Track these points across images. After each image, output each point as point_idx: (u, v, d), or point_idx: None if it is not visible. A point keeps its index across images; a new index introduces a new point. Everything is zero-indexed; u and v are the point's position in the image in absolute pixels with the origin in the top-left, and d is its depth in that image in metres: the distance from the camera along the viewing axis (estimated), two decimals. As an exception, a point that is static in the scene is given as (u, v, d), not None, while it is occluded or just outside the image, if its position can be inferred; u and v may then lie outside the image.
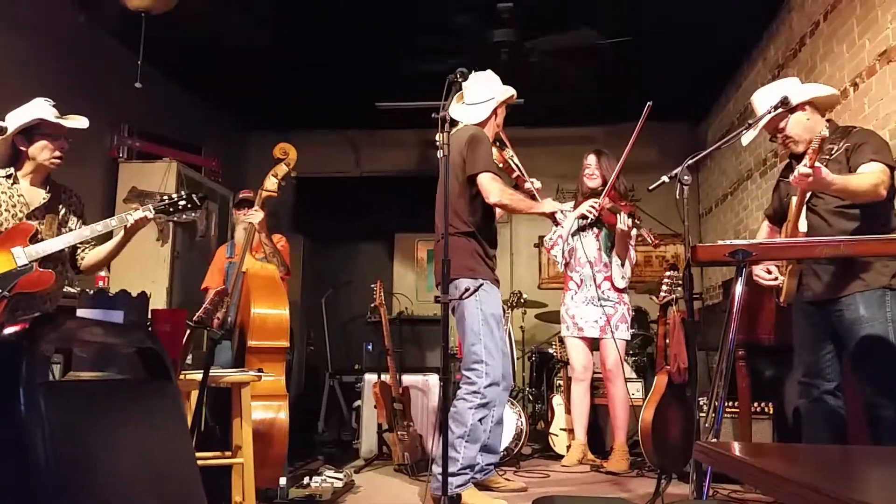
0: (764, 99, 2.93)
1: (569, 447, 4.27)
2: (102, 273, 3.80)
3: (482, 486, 3.31)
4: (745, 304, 2.71)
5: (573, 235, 4.21)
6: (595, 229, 4.23)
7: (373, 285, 4.53)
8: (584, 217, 4.09)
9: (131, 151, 5.33)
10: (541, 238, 7.11)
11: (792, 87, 2.91)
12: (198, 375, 2.67)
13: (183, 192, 2.98)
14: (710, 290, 6.60)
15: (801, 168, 2.50)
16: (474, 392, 3.05)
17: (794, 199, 2.73)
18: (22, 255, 2.68)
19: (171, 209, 2.92)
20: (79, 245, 2.95)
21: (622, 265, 4.17)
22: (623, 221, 3.95)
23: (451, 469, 2.91)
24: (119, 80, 4.94)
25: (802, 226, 2.73)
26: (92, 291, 2.06)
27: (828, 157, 2.73)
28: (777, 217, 3.07)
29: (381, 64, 5.71)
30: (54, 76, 4.54)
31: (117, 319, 1.99)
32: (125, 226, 2.88)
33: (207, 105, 6.64)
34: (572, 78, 5.89)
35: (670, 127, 6.81)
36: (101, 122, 5.19)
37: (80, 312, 2.00)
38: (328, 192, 7.44)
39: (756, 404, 3.53)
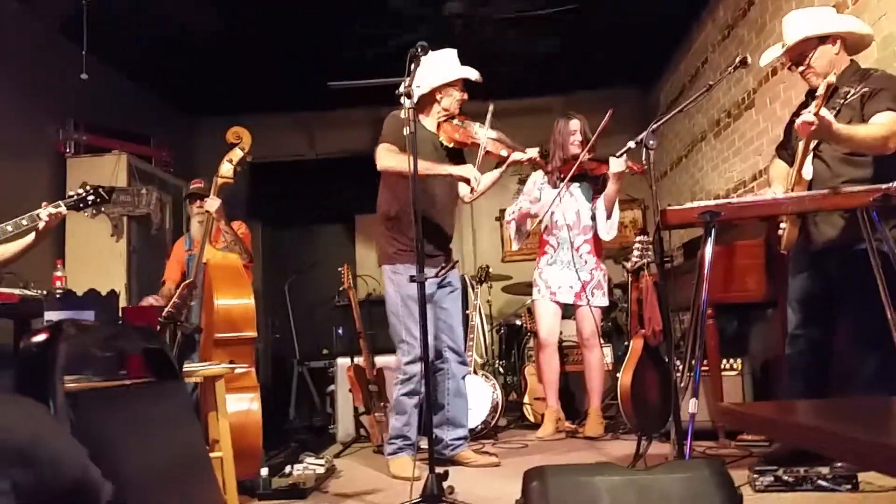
0: (795, 24, 2.77)
1: (542, 416, 4.30)
2: (59, 273, 3.68)
3: (453, 463, 3.35)
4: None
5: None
6: (572, 189, 4.13)
7: (340, 269, 4.48)
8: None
9: (78, 145, 5.14)
10: (502, 211, 7.12)
11: (829, 16, 2.79)
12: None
13: (89, 186, 3.02)
14: (672, 252, 6.70)
15: (806, 115, 2.42)
16: (396, 369, 3.36)
17: (801, 144, 2.62)
18: None
19: (80, 204, 2.99)
20: None
21: (608, 217, 4.08)
22: (616, 164, 3.80)
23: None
24: (62, 72, 4.75)
25: (807, 172, 2.61)
26: (59, 293, 1.98)
27: (842, 101, 2.60)
28: (788, 156, 2.94)
29: (331, 42, 5.60)
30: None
31: (88, 320, 1.92)
32: (37, 226, 2.87)
33: (153, 94, 6.43)
34: (526, 49, 5.87)
35: (621, 93, 6.85)
36: (45, 117, 4.99)
37: (49, 315, 1.92)
38: (283, 176, 7.31)
39: (724, 361, 3.61)
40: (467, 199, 3.59)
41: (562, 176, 4.04)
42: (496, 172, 3.45)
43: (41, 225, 2.86)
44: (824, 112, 2.39)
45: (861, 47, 2.86)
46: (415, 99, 3.31)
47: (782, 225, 2.78)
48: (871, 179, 2.59)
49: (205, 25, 5.21)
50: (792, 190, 2.67)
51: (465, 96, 3.41)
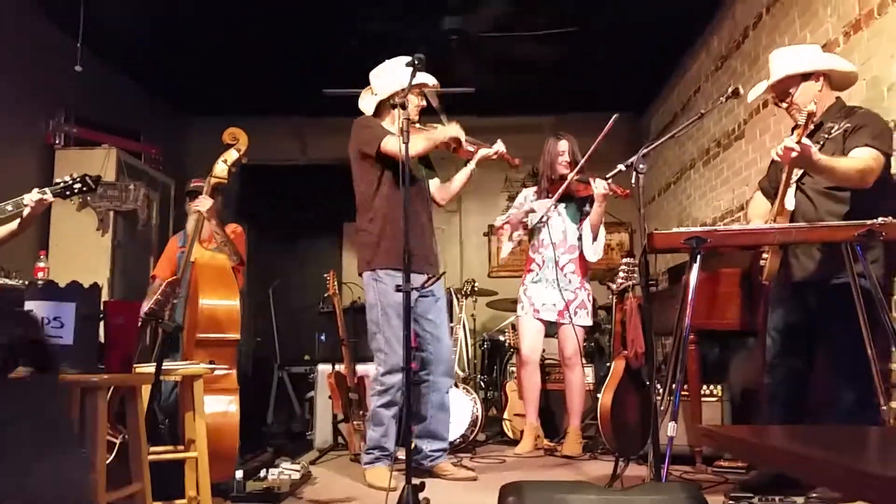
0: (781, 60, 2.86)
1: (522, 433, 4.30)
2: (41, 263, 3.64)
3: (431, 474, 3.34)
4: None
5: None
6: (559, 209, 4.16)
7: (325, 275, 4.47)
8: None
9: (68, 138, 5.11)
10: (490, 227, 7.14)
11: (813, 54, 2.86)
12: (147, 368, 2.59)
13: (76, 174, 2.99)
14: (657, 277, 6.75)
15: (788, 141, 2.47)
16: (374, 380, 3.35)
17: (783, 175, 2.68)
18: None
19: (67, 191, 2.96)
20: None
21: (594, 239, 4.10)
22: (599, 185, 3.85)
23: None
24: (55, 64, 4.73)
25: (789, 203, 2.68)
26: (41, 283, 1.96)
27: (826, 136, 2.67)
28: (771, 190, 3.01)
29: (328, 50, 5.61)
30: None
31: (69, 312, 1.91)
32: (21, 212, 2.85)
33: (146, 90, 6.41)
34: (520, 68, 5.92)
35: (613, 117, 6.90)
36: (36, 108, 4.96)
37: (29, 305, 1.90)
38: (273, 179, 7.29)
39: (704, 387, 3.63)
40: (441, 202, 3.61)
41: (549, 195, 4.08)
42: (466, 170, 3.48)
43: (26, 212, 2.83)
44: (806, 141, 2.45)
45: (846, 84, 2.93)
46: (370, 109, 3.40)
47: (765, 255, 2.83)
48: (849, 214, 2.65)
49: (202, 25, 5.22)
50: (774, 220, 2.72)
51: (424, 103, 3.41)
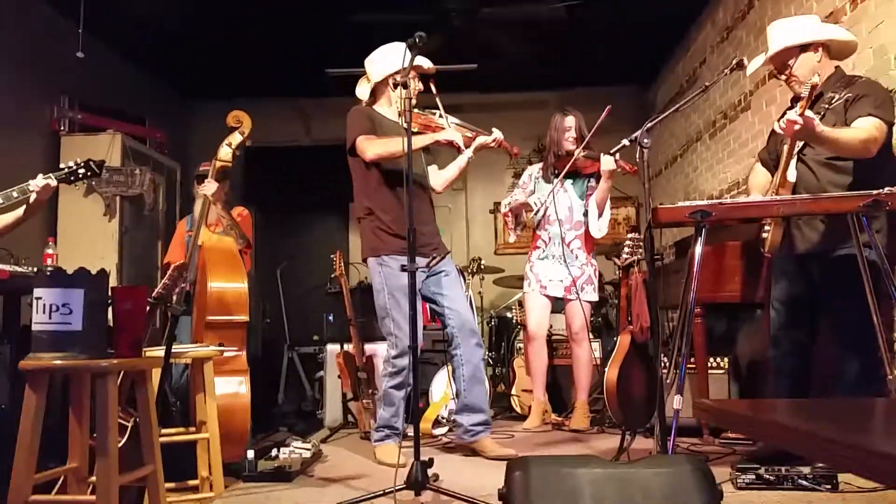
0: (782, 30, 2.84)
1: (529, 408, 4.33)
2: (50, 250, 3.67)
3: (471, 450, 3.36)
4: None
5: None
6: (566, 185, 4.16)
7: (332, 256, 4.48)
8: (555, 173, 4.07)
9: (73, 124, 5.12)
10: (496, 204, 7.14)
11: (811, 25, 2.83)
12: (157, 351, 2.62)
13: (79, 160, 3.00)
14: (663, 251, 6.73)
15: (791, 114, 2.46)
16: (386, 361, 3.36)
17: (785, 147, 2.67)
18: None
19: (71, 177, 2.96)
20: None
21: (600, 215, 4.08)
22: (607, 162, 3.83)
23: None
24: (59, 50, 4.72)
25: (791, 175, 2.67)
26: (49, 270, 1.98)
27: (827, 106, 2.65)
28: (771, 161, 3.01)
29: (330, 30, 5.58)
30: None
31: (77, 298, 1.92)
32: (28, 198, 2.86)
33: (150, 75, 6.40)
34: (524, 43, 5.87)
35: (619, 90, 6.86)
36: (40, 94, 4.97)
37: (38, 292, 1.92)
38: (278, 161, 7.29)
39: (711, 359, 3.64)
40: (438, 189, 3.59)
41: (556, 171, 4.06)
42: (463, 158, 3.45)
43: (32, 198, 2.85)
44: (808, 113, 2.43)
45: (846, 53, 2.91)
46: (365, 94, 3.39)
47: (766, 228, 2.82)
48: (852, 185, 2.64)
49: (204, 8, 5.19)
50: (776, 192, 2.71)
51: (421, 86, 3.37)
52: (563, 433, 4.05)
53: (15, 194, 2.83)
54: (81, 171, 2.95)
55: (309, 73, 6.11)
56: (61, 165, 2.99)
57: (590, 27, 5.62)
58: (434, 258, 3.10)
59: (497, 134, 3.38)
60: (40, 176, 2.88)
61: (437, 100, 3.39)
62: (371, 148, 3.20)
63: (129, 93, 5.95)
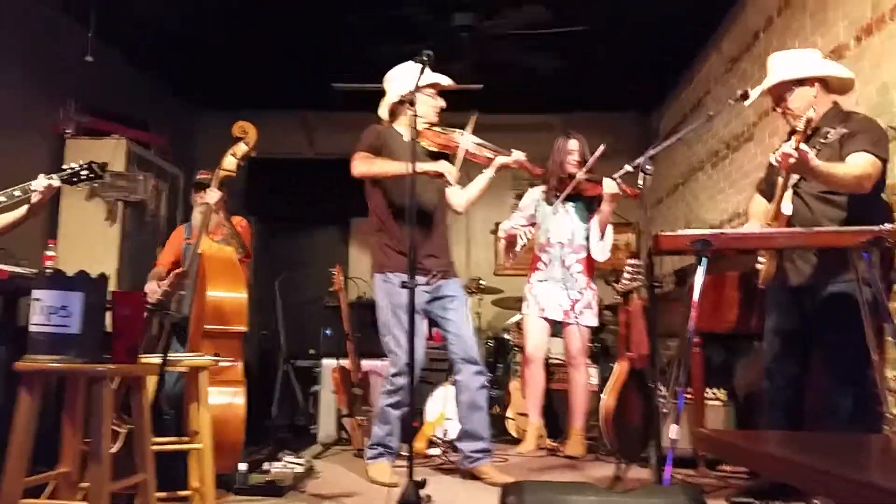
0: (780, 63, 2.87)
1: (525, 432, 4.30)
2: (50, 252, 3.67)
3: (470, 475, 3.33)
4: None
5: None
6: (567, 208, 4.16)
7: (332, 269, 4.48)
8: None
9: (78, 127, 5.13)
10: (497, 224, 7.14)
11: (809, 60, 2.86)
12: (153, 359, 2.61)
13: (82, 162, 3.00)
14: (663, 279, 6.73)
15: (786, 147, 2.47)
16: (384, 378, 3.39)
17: (780, 179, 2.68)
18: None
19: (74, 178, 2.96)
20: None
21: (601, 238, 4.08)
22: (610, 185, 3.82)
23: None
24: (66, 54, 4.75)
25: (787, 208, 2.68)
26: (49, 272, 1.98)
27: (823, 140, 2.67)
28: (768, 191, 3.00)
29: (337, 44, 5.62)
30: (-1, 49, 4.36)
31: (76, 301, 1.92)
32: (29, 198, 2.86)
33: (157, 82, 6.44)
34: (530, 66, 5.91)
35: (622, 116, 6.91)
36: (46, 97, 4.99)
37: (36, 294, 1.92)
38: (281, 173, 7.29)
39: (709, 390, 3.63)
40: (459, 209, 3.61)
41: (557, 194, 4.08)
42: (483, 178, 3.47)
43: (34, 198, 2.84)
44: (804, 147, 2.45)
45: (844, 90, 2.93)
46: (384, 114, 3.42)
47: (761, 260, 2.83)
48: (846, 219, 2.65)
49: (211, 18, 5.23)
50: (770, 225, 2.72)
51: (443, 104, 3.42)
52: (558, 459, 4.02)
53: (17, 193, 2.83)
54: (84, 172, 2.95)
55: (315, 86, 6.14)
56: (64, 166, 2.99)
57: (596, 51, 5.66)
58: (434, 275, 3.09)
59: (517, 155, 3.41)
60: (42, 176, 2.88)
61: (472, 120, 3.44)
62: (358, 166, 3.29)
63: (135, 99, 5.97)
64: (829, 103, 2.83)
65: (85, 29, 4.41)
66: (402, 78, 3.33)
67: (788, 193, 2.70)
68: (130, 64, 5.96)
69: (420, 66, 2.75)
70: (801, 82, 2.80)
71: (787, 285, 2.83)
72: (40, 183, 2.83)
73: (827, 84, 2.84)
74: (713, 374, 3.72)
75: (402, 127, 3.44)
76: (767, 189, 3.03)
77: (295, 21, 5.31)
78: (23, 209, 2.96)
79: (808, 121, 2.47)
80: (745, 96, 2.88)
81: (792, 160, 2.45)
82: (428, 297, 3.34)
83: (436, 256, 3.40)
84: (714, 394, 3.63)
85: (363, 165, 3.27)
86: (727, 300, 3.46)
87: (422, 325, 3.47)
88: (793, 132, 2.75)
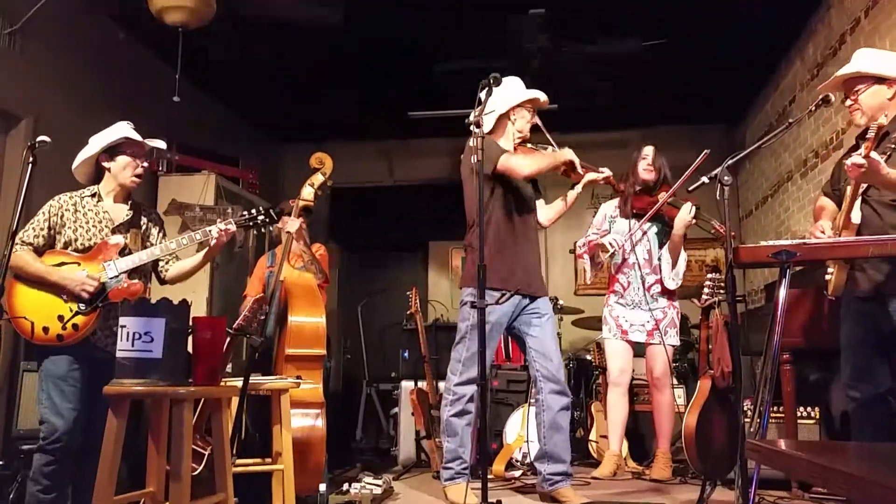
0: (864, 56, 2.79)
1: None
2: (144, 283, 3.87)
3: (549, 498, 3.27)
4: (790, 307, 2.63)
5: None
6: (644, 227, 4.05)
7: (408, 293, 4.53)
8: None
9: (170, 164, 5.42)
10: (576, 244, 7.05)
11: (893, 60, 2.76)
12: (238, 382, 2.70)
13: (261, 207, 3.14)
14: (753, 294, 6.47)
15: (855, 157, 2.40)
16: (447, 389, 3.28)
17: (850, 188, 2.60)
18: (113, 267, 2.85)
19: (250, 223, 3.08)
20: (161, 257, 3.05)
21: (673, 265, 3.97)
22: (687, 211, 3.75)
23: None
24: (157, 94, 5.04)
25: (856, 216, 2.60)
26: (133, 301, 2.09)
27: (893, 146, 2.57)
28: (834, 194, 2.92)
29: (413, 73, 5.73)
30: (96, 93, 4.68)
31: (159, 327, 2.02)
32: (208, 241, 2.99)
33: (243, 117, 6.74)
34: (606, 81, 5.85)
35: (706, 129, 6.71)
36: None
37: (123, 321, 2.03)
38: (362, 201, 7.48)
39: (802, 408, 3.45)
40: (546, 223, 3.59)
41: (634, 210, 3.99)
42: (573, 193, 3.47)
43: (213, 242, 2.99)
44: (874, 155, 2.37)
45: None
46: (490, 124, 3.40)
47: (830, 270, 2.70)
48: None
49: (294, 53, 5.44)
50: (840, 234, 2.62)
51: (536, 119, 3.42)
52: (643, 482, 3.90)
53: (198, 236, 2.99)
54: (261, 217, 3.09)
55: (393, 117, 6.28)
56: (243, 213, 3.13)
57: (676, 65, 5.55)
58: (503, 294, 3.05)
59: (607, 171, 3.39)
60: (219, 221, 3.05)
61: (548, 135, 3.44)
62: (523, 166, 3.23)
63: (223, 135, 6.26)
64: None
65: (173, 70, 4.67)
66: (507, 92, 3.35)
67: (857, 201, 2.61)
68: (219, 101, 6.27)
69: (481, 88, 2.76)
70: (880, 80, 2.70)
71: (856, 296, 2.70)
72: (218, 227, 2.99)
73: None
74: (806, 392, 3.54)
75: (502, 140, 3.43)
76: (833, 192, 2.94)
77: (373, 55, 5.46)
78: (199, 255, 3.13)
79: (880, 127, 2.39)
80: (826, 101, 2.76)
81: (862, 170, 2.38)
82: (515, 313, 3.31)
83: (531, 278, 3.38)
84: (808, 412, 3.44)
85: (530, 162, 3.22)
86: (818, 315, 3.30)
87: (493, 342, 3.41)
88: (862, 135, 2.65)
